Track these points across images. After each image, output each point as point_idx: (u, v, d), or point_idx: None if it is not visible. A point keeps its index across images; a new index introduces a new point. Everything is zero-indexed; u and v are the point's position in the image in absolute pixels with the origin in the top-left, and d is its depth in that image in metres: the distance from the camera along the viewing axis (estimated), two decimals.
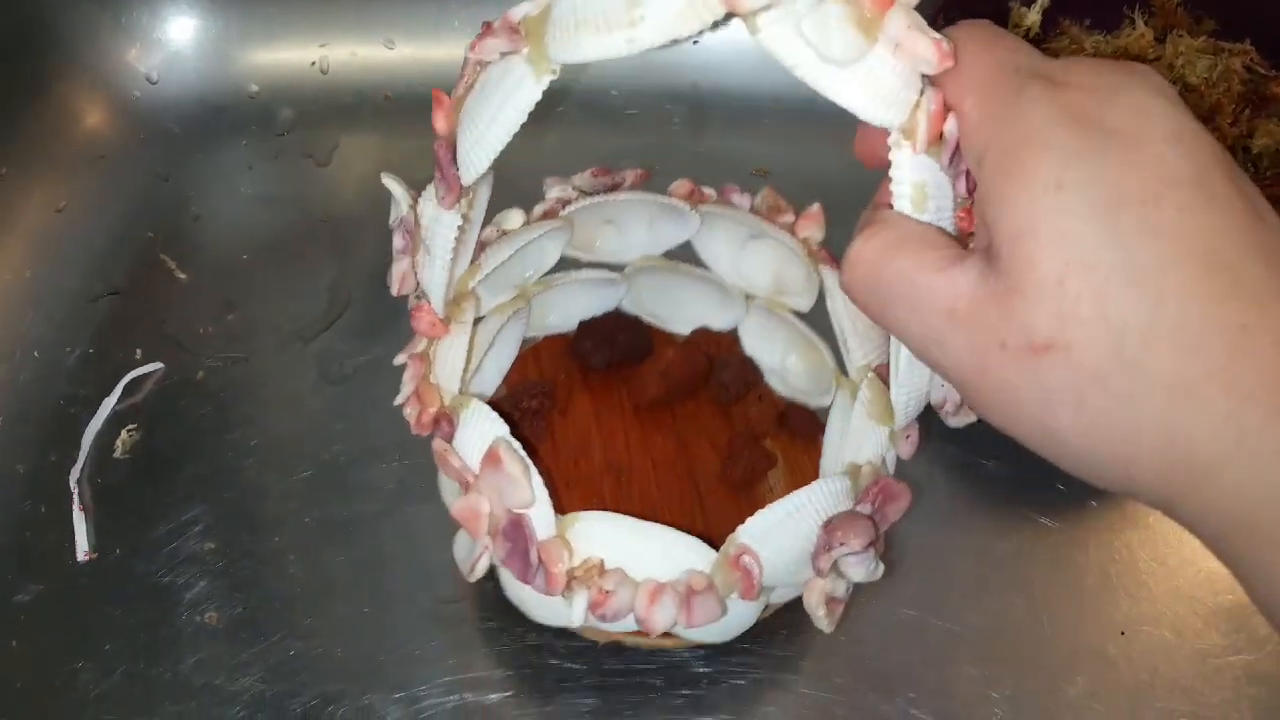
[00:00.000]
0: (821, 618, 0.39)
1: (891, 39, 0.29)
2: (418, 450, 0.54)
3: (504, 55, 0.33)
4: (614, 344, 0.52)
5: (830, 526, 0.38)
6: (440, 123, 0.37)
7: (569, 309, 0.53)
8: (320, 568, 0.51)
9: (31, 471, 0.54)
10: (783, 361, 0.52)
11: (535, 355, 0.53)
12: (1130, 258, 0.25)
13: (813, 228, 0.49)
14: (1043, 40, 0.58)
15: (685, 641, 0.46)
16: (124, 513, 0.53)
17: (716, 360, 0.52)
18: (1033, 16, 0.58)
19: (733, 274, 0.52)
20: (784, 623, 0.49)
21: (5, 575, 0.51)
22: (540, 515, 0.38)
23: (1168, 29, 0.57)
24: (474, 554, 0.39)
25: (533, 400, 0.50)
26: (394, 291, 0.42)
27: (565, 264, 0.52)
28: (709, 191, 0.51)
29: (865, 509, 0.39)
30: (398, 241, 0.41)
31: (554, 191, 0.50)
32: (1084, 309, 0.25)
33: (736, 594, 0.38)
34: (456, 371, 0.42)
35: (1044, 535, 0.52)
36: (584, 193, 0.50)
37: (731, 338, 0.53)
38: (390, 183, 0.41)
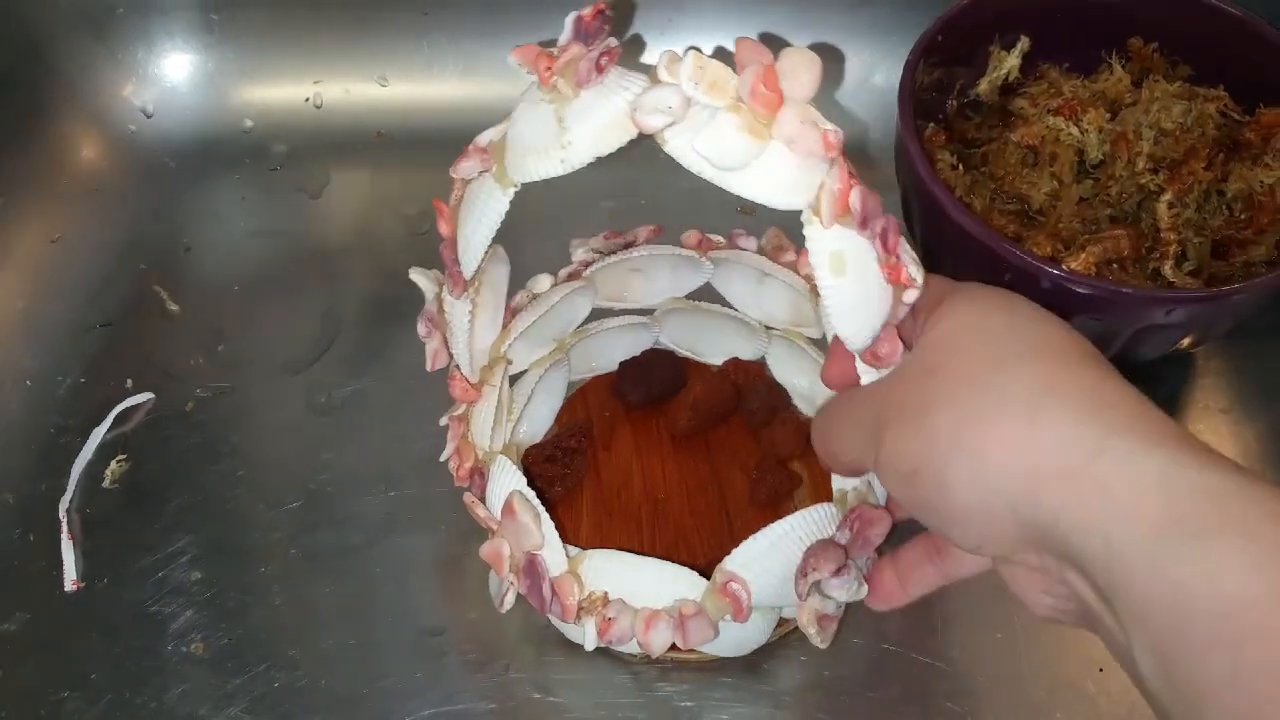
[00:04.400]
0: (814, 635, 0.42)
1: (785, 136, 0.32)
2: (405, 481, 0.55)
3: (480, 173, 0.40)
4: (650, 382, 0.56)
5: (806, 554, 0.41)
6: (443, 227, 0.42)
7: (609, 352, 0.57)
8: (306, 599, 0.52)
9: (21, 500, 0.55)
10: (810, 386, 0.55)
11: (583, 395, 0.57)
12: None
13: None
14: (1022, 84, 0.59)
15: (709, 656, 0.49)
16: (112, 542, 0.54)
17: (745, 388, 0.55)
18: (1011, 60, 0.59)
19: (754, 309, 0.56)
20: (767, 658, 0.49)
21: None
22: (552, 555, 0.43)
23: (1144, 74, 0.58)
24: (502, 589, 0.45)
25: (572, 440, 0.53)
26: (429, 368, 0.47)
27: (597, 314, 0.56)
28: (718, 238, 0.55)
29: (844, 536, 0.41)
30: (421, 328, 0.47)
31: (578, 254, 0.54)
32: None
33: (729, 617, 0.42)
34: (487, 430, 0.48)
35: None
36: (602, 254, 0.54)
37: (760, 365, 0.57)
38: (417, 277, 0.46)
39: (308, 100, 0.70)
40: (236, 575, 0.52)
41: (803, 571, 0.41)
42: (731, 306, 0.56)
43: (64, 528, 0.53)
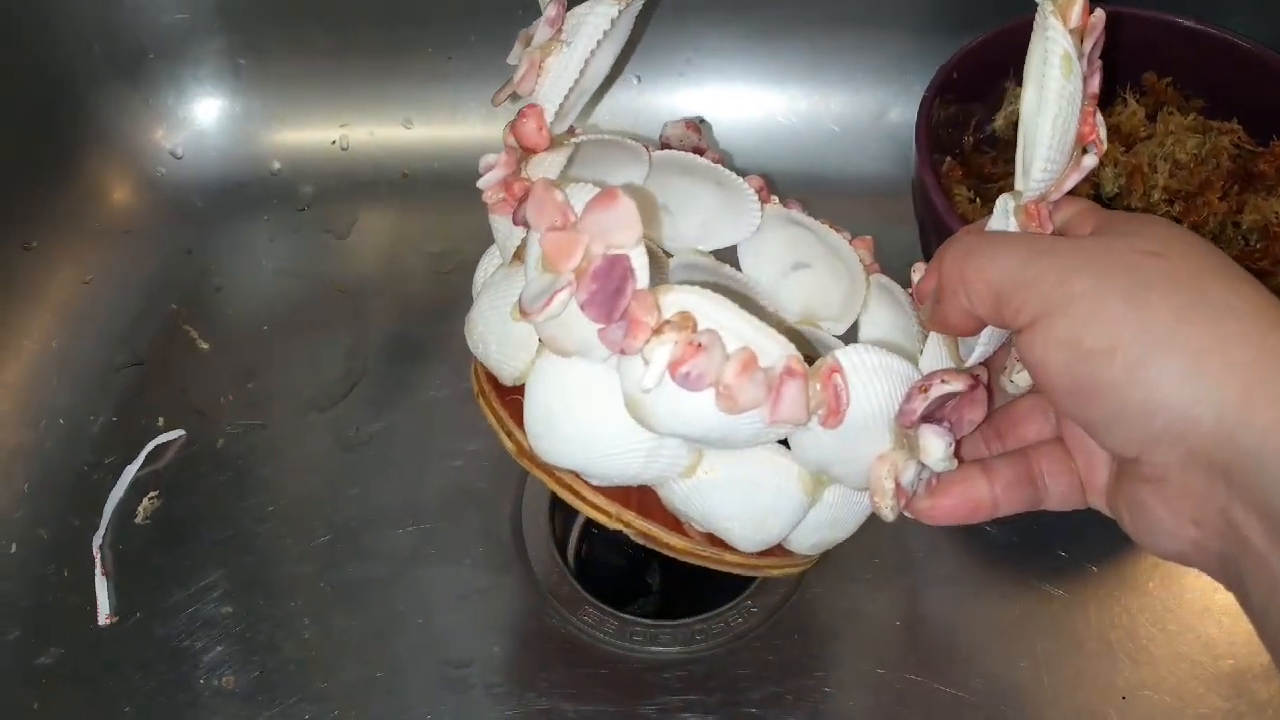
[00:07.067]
0: (889, 492, 0.36)
1: None
2: (431, 515, 0.56)
3: None
4: None
5: (928, 375, 0.35)
6: None
7: None
8: (334, 631, 0.52)
9: (55, 536, 0.56)
10: None
11: None
12: None
13: (864, 250, 0.51)
14: None
15: (709, 554, 0.41)
16: (144, 578, 0.54)
17: None
18: None
19: (768, 295, 0.52)
20: (791, 689, 0.49)
21: (28, 638, 0.52)
22: (639, 262, 0.33)
23: (1158, 107, 0.59)
24: (552, 287, 0.34)
25: None
26: (509, 88, 0.40)
27: None
28: (775, 199, 0.51)
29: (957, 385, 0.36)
30: (542, 32, 0.40)
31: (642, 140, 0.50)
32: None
33: (819, 415, 0.35)
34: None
35: (1046, 601, 0.52)
36: (668, 145, 0.51)
37: None
38: None
39: (334, 143, 0.72)
40: (267, 609, 0.53)
41: (922, 387, 0.35)
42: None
43: (97, 563, 0.54)
